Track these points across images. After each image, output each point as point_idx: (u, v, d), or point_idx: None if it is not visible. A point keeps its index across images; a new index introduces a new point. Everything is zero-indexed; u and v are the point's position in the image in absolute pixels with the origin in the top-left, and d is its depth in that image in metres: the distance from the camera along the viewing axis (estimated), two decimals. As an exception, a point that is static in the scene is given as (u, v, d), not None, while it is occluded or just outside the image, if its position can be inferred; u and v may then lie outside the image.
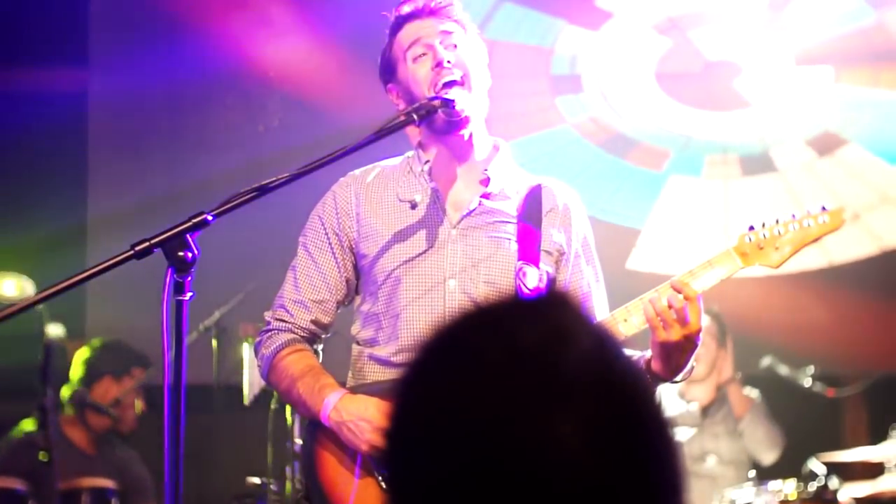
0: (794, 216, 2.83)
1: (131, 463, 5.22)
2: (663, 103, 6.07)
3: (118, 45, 6.15)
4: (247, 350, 4.94)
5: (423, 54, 2.87)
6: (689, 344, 2.66)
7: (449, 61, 2.83)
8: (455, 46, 2.88)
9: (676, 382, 2.76)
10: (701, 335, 2.70)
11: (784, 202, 5.87)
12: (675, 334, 2.64)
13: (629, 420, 0.99)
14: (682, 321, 2.64)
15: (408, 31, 2.91)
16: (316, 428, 2.84)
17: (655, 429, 1.01)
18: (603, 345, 1.02)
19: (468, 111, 2.83)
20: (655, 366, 2.67)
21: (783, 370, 5.60)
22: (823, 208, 2.84)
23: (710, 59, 6.08)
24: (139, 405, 5.18)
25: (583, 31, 6.11)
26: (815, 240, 2.84)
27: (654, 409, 1.02)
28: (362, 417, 2.73)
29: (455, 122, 2.83)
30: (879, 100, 6.02)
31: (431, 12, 2.91)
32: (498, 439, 0.97)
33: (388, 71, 2.95)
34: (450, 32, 2.89)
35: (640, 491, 0.98)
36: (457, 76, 2.83)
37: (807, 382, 5.59)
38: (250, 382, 4.93)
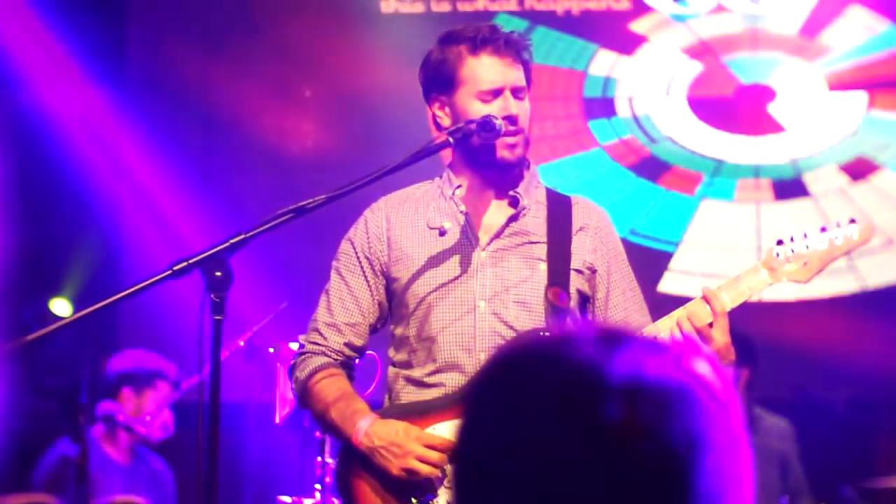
0: (823, 229, 2.81)
1: (163, 477, 5.25)
2: (696, 127, 6.07)
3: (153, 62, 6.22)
4: (279, 368, 4.96)
5: (494, 98, 2.85)
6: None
7: (518, 119, 2.83)
8: (522, 100, 2.87)
9: None
10: (730, 350, 2.70)
11: (816, 227, 5.84)
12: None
13: (684, 434, 1.02)
14: (708, 340, 2.66)
15: (485, 65, 2.85)
16: (350, 451, 2.86)
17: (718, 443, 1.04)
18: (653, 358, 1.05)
19: (519, 149, 2.84)
20: None
21: (816, 395, 5.57)
22: (852, 221, 2.82)
23: (743, 83, 6.08)
24: (168, 418, 5.20)
25: (616, 56, 6.12)
26: (845, 253, 2.82)
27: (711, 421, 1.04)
28: (393, 443, 2.75)
29: (499, 158, 2.82)
30: (913, 125, 6.00)
31: (510, 50, 2.86)
32: (563, 455, 1.00)
33: (444, 84, 2.89)
34: (522, 86, 2.87)
35: None
36: (499, 120, 2.81)
37: (840, 408, 5.56)
38: (281, 400, 4.95)
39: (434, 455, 2.72)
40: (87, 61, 6.12)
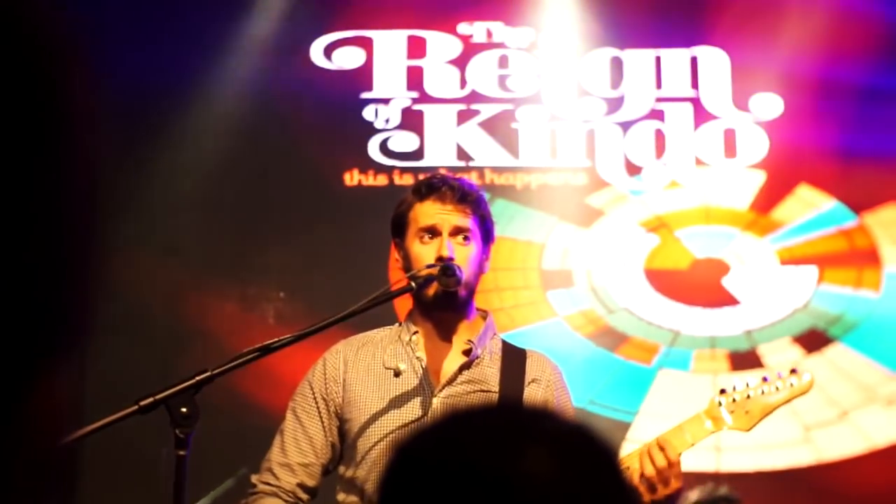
0: (764, 379, 2.89)
1: None
2: (652, 299, 6.20)
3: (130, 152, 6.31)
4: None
5: (432, 239, 2.96)
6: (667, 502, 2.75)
7: (451, 259, 2.93)
8: (465, 242, 2.97)
9: None
10: (679, 494, 2.77)
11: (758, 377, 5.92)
12: (657, 495, 2.72)
13: (598, 466, 1.08)
14: (665, 482, 2.72)
15: (428, 208, 2.99)
16: None
17: (620, 480, 1.10)
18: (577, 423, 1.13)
19: (462, 286, 2.92)
20: None
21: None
22: (793, 371, 2.90)
23: (698, 257, 6.24)
24: None
25: (574, 228, 6.29)
26: (784, 402, 2.89)
27: (620, 466, 1.12)
28: None
29: (447, 294, 2.91)
30: (863, 299, 6.15)
31: (453, 195, 2.99)
32: (474, 475, 1.06)
33: (398, 228, 3.05)
34: (464, 229, 2.98)
35: None
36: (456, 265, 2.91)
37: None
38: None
39: None
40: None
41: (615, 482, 1.10)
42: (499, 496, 1.04)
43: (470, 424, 1.12)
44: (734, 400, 2.88)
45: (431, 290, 2.90)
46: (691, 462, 5.76)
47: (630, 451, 2.83)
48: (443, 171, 3.12)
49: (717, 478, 5.79)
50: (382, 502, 1.12)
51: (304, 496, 2.97)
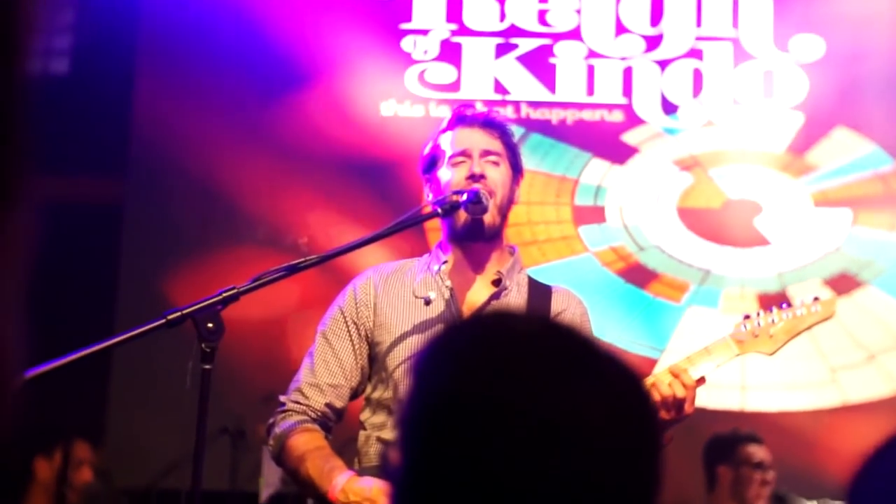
0: (789, 305, 2.94)
1: None
2: (684, 237, 6.21)
3: (157, 161, 6.37)
4: (265, 454, 5.01)
5: (462, 162, 2.99)
6: (675, 423, 2.79)
7: (483, 175, 2.96)
8: (495, 164, 3.00)
9: None
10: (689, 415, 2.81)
11: (800, 340, 5.92)
12: (668, 417, 2.76)
13: (638, 399, 1.13)
14: (679, 407, 2.76)
15: (456, 136, 3.01)
16: None
17: (653, 412, 1.16)
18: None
19: (489, 215, 2.95)
20: None
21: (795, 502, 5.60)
22: (816, 298, 2.95)
23: (731, 198, 6.24)
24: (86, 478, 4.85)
25: (608, 165, 6.29)
26: (808, 328, 2.94)
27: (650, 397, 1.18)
28: (367, 498, 2.80)
29: (477, 222, 2.94)
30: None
31: (484, 124, 3.03)
32: (530, 405, 1.08)
33: (428, 165, 3.07)
34: (493, 151, 3.01)
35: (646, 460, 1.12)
36: (484, 191, 2.94)
37: (819, 520, 5.59)
38: (267, 485, 4.99)
39: None
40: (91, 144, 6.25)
41: (652, 427, 1.14)
42: (544, 437, 1.07)
43: (520, 355, 1.12)
44: (759, 325, 2.93)
45: (461, 219, 2.92)
46: (717, 400, 5.84)
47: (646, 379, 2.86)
48: (478, 105, 3.12)
49: (741, 417, 5.85)
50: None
51: (332, 416, 3.02)
